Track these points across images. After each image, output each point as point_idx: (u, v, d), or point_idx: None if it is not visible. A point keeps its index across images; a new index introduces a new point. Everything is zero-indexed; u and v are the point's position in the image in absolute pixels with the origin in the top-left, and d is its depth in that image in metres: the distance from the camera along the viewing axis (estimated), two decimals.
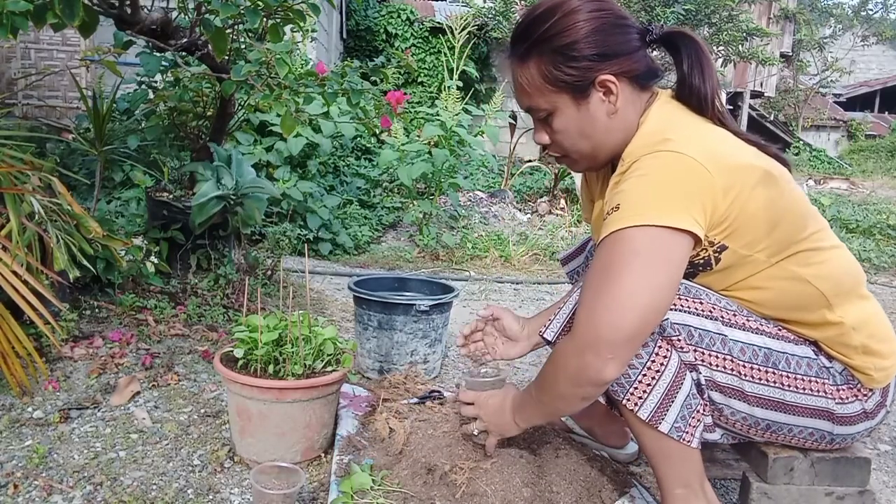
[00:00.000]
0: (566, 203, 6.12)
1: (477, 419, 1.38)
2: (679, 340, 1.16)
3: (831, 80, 15.65)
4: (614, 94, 1.18)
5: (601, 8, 1.18)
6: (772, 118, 16.04)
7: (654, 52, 1.31)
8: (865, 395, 1.23)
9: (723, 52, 10.88)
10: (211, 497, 1.45)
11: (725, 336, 1.17)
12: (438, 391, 1.86)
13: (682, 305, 1.16)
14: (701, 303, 1.18)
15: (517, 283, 3.95)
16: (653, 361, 1.15)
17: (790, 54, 15.43)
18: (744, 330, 1.19)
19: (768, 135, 15.69)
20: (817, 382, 1.20)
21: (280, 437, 1.53)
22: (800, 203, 1.20)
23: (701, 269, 1.19)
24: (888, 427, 2.13)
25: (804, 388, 1.19)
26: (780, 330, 1.22)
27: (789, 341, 1.21)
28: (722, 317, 1.18)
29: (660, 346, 1.16)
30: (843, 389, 1.21)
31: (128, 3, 2.14)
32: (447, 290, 2.26)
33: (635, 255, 1.05)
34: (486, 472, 1.37)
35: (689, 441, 1.18)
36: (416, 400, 1.79)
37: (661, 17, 10.07)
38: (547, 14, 1.18)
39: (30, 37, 5.12)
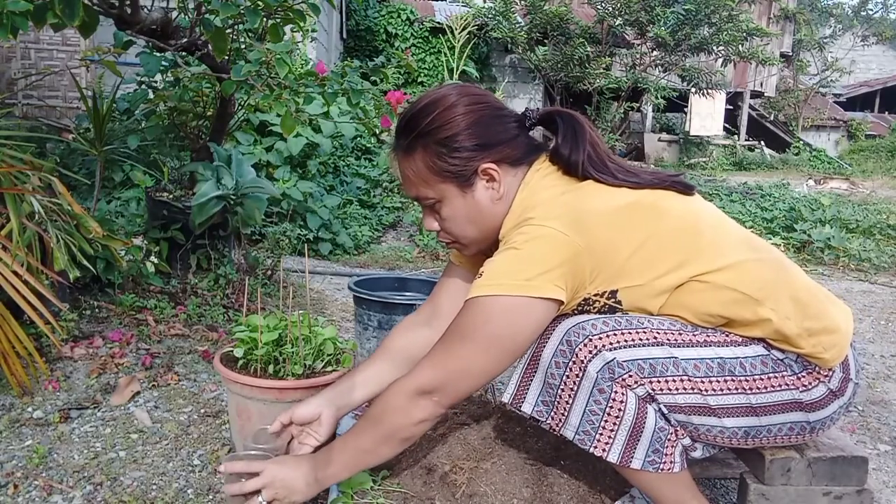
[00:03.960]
0: None
1: (263, 489, 1.24)
2: (630, 377, 1.16)
3: (831, 80, 15.67)
4: (497, 180, 1.25)
5: (478, 101, 1.26)
6: (772, 118, 16.04)
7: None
8: (826, 376, 1.23)
9: (723, 52, 10.89)
10: (211, 497, 1.45)
11: (676, 357, 1.18)
12: None
13: (625, 340, 1.17)
14: (644, 332, 1.19)
15: None
16: (611, 407, 1.16)
17: (790, 54, 15.44)
18: (692, 346, 1.19)
19: (768, 135, 15.70)
20: (775, 377, 1.20)
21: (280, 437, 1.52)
22: (685, 222, 1.22)
23: (612, 310, 1.22)
24: (888, 427, 2.13)
25: (766, 387, 1.20)
26: (727, 336, 1.22)
27: (738, 345, 1.21)
28: (668, 339, 1.19)
29: (615, 391, 1.16)
30: (804, 376, 1.21)
31: (128, 3, 2.14)
32: None
33: (486, 324, 1.15)
34: (486, 472, 1.37)
35: (668, 468, 1.19)
36: None
37: (661, 18, 10.08)
38: (428, 108, 1.25)
39: (30, 37, 5.12)
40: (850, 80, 17.75)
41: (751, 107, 15.38)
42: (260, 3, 2.08)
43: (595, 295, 1.20)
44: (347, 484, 1.36)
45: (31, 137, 2.94)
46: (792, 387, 1.20)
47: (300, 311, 1.60)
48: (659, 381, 1.17)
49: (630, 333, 1.18)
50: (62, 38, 5.30)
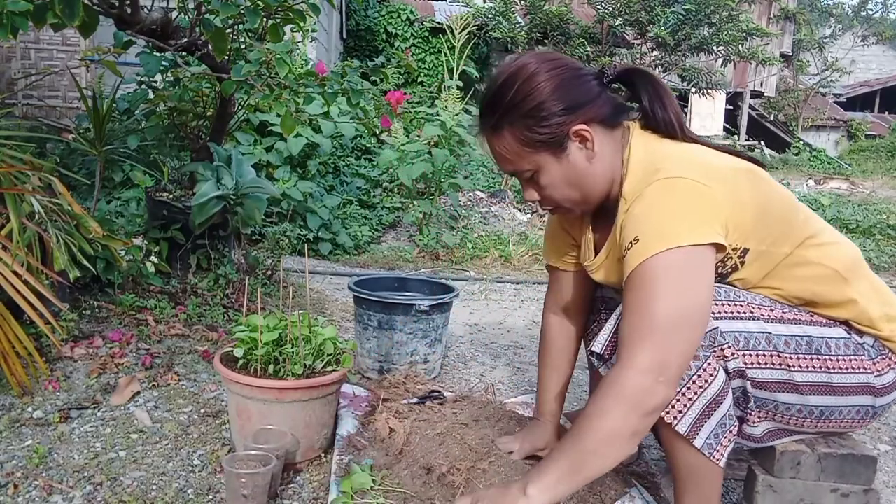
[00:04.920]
0: None
1: None
2: (730, 348, 1.18)
3: (831, 80, 15.66)
4: (590, 140, 1.23)
5: (557, 66, 1.24)
6: (772, 118, 16.03)
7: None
8: None
9: (723, 52, 10.88)
10: (211, 497, 1.45)
11: (769, 333, 1.21)
12: (438, 391, 1.86)
13: (725, 311, 1.20)
14: (740, 305, 1.22)
15: (517, 283, 3.95)
16: (699, 377, 1.18)
17: (790, 54, 15.44)
18: (783, 322, 1.23)
19: (768, 135, 15.69)
20: (856, 360, 1.25)
21: (280, 437, 1.53)
22: (787, 195, 1.29)
23: (730, 272, 1.25)
24: (888, 427, 2.13)
25: (846, 368, 1.25)
26: (812, 316, 1.27)
27: (823, 325, 1.27)
28: (762, 314, 1.22)
29: (709, 363, 1.18)
30: (878, 362, 1.27)
31: (128, 3, 2.14)
32: (447, 290, 2.26)
33: (672, 280, 1.10)
34: (484, 472, 1.37)
35: (718, 459, 1.21)
36: (416, 400, 1.79)
37: (661, 18, 10.08)
38: (508, 82, 1.23)
39: (30, 37, 5.12)
40: (850, 80, 17.75)
41: (751, 107, 15.37)
42: (260, 3, 2.08)
43: (732, 249, 1.19)
44: (347, 484, 1.36)
45: (31, 137, 2.94)
46: (868, 371, 1.26)
47: (300, 311, 1.60)
48: (752, 355, 1.20)
49: (730, 305, 1.21)
50: (62, 38, 5.30)
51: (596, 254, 1.39)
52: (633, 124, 1.29)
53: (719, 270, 1.23)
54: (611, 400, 1.10)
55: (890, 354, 1.29)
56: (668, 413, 1.18)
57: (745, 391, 1.23)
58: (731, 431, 1.22)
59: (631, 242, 1.14)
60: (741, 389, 1.23)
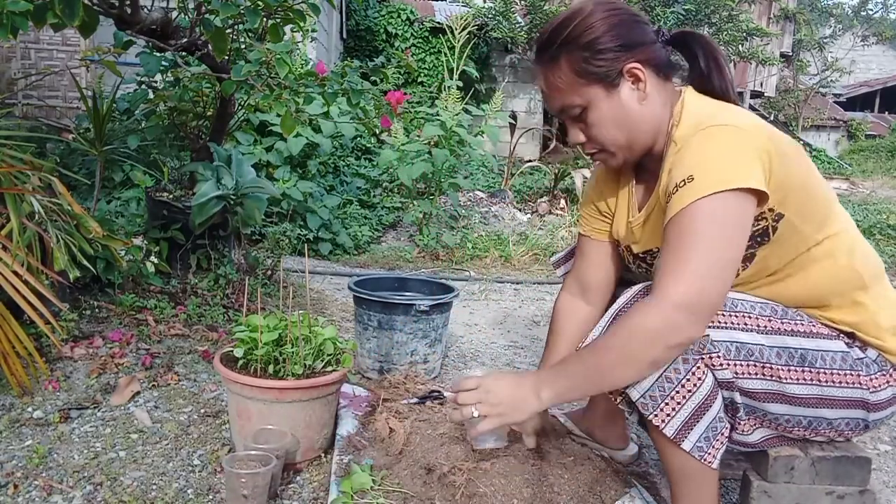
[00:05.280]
0: (566, 203, 6.12)
1: (479, 404, 1.26)
2: (718, 357, 1.18)
3: (831, 80, 15.64)
4: (642, 80, 1.25)
5: (615, 8, 1.27)
6: (772, 118, 16.02)
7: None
8: None
9: (723, 51, 10.86)
10: (211, 497, 1.45)
11: (762, 345, 1.20)
12: (438, 391, 1.85)
13: (719, 321, 1.20)
14: (735, 315, 1.21)
15: (517, 283, 3.95)
16: (688, 380, 1.18)
17: (790, 54, 15.43)
18: (779, 334, 1.22)
19: None
20: (851, 374, 1.24)
21: (280, 437, 1.53)
22: (829, 187, 1.30)
23: (759, 241, 1.23)
24: (888, 427, 2.13)
25: (840, 382, 1.23)
26: (813, 326, 1.26)
27: (822, 337, 1.25)
28: (757, 325, 1.22)
29: (697, 367, 1.18)
30: (877, 377, 1.25)
31: (128, 3, 2.14)
32: (447, 290, 2.26)
33: (713, 222, 1.12)
34: (485, 472, 1.37)
35: (710, 462, 1.21)
36: (416, 400, 1.79)
37: (661, 18, 10.08)
38: (567, 20, 1.27)
39: (30, 37, 5.12)
40: (850, 80, 17.74)
41: (751, 107, 15.36)
42: (260, 3, 2.08)
43: (768, 209, 1.19)
44: (347, 484, 1.36)
45: (31, 137, 2.95)
46: (864, 386, 1.24)
47: (300, 311, 1.60)
48: (743, 365, 1.19)
49: (725, 316, 1.20)
50: (62, 38, 5.30)
51: (640, 211, 1.40)
52: (687, 88, 1.32)
53: (751, 232, 1.20)
54: (639, 327, 1.13)
55: (891, 370, 1.27)
56: (656, 416, 1.19)
57: (734, 401, 1.23)
58: (722, 434, 1.22)
59: (684, 181, 1.15)
60: (730, 399, 1.23)
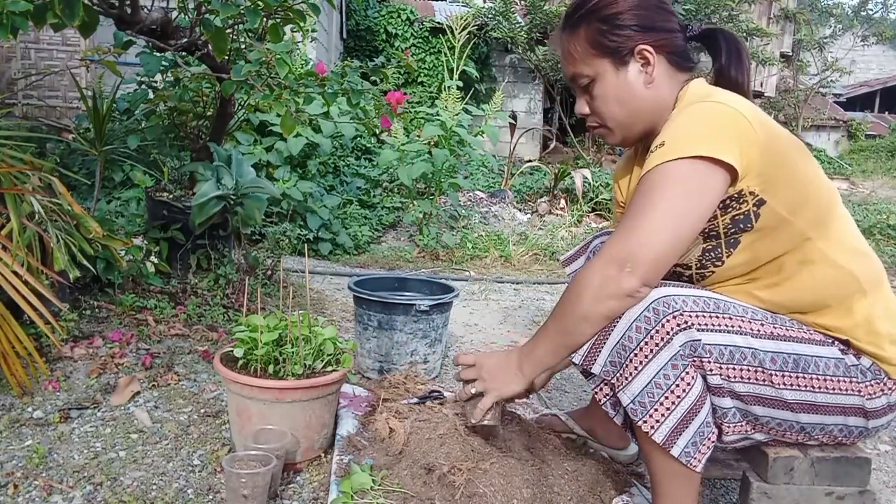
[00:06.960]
0: (566, 203, 6.12)
1: (476, 381, 1.36)
2: (709, 362, 1.18)
3: (831, 80, 15.63)
4: (651, 64, 1.28)
5: None
6: (772, 118, 16.01)
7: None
8: (891, 389, 1.26)
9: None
10: (211, 497, 1.45)
11: (756, 349, 1.20)
12: (438, 391, 1.86)
13: (713, 324, 1.19)
14: (730, 318, 1.21)
15: (517, 283, 3.95)
16: (677, 385, 1.18)
17: (790, 54, 15.42)
18: (772, 339, 1.21)
19: None
20: (844, 381, 1.23)
21: (280, 437, 1.53)
22: (833, 190, 1.29)
23: (741, 227, 1.22)
24: (888, 427, 2.13)
25: (833, 388, 1.22)
26: (807, 333, 1.25)
27: (816, 343, 1.24)
28: (751, 329, 1.21)
29: (686, 372, 1.18)
30: (871, 385, 1.24)
31: (128, 3, 2.14)
32: (447, 290, 2.26)
33: (673, 185, 1.14)
34: (485, 472, 1.37)
35: (695, 466, 1.21)
36: (416, 400, 1.79)
37: None
38: None
39: (30, 37, 5.13)
40: (850, 80, 17.72)
41: None
42: (260, 3, 2.08)
43: (748, 193, 1.19)
44: (347, 484, 1.36)
45: (31, 137, 2.94)
46: (859, 393, 1.23)
47: (300, 311, 1.60)
48: (736, 369, 1.19)
49: (718, 318, 1.20)
50: (62, 38, 5.30)
51: None
52: (697, 79, 1.33)
53: (731, 214, 1.21)
54: (580, 284, 1.20)
55: (886, 379, 1.25)
56: (645, 422, 1.18)
57: (723, 407, 1.22)
58: (709, 439, 1.22)
59: (657, 146, 1.18)
60: (720, 404, 1.22)
